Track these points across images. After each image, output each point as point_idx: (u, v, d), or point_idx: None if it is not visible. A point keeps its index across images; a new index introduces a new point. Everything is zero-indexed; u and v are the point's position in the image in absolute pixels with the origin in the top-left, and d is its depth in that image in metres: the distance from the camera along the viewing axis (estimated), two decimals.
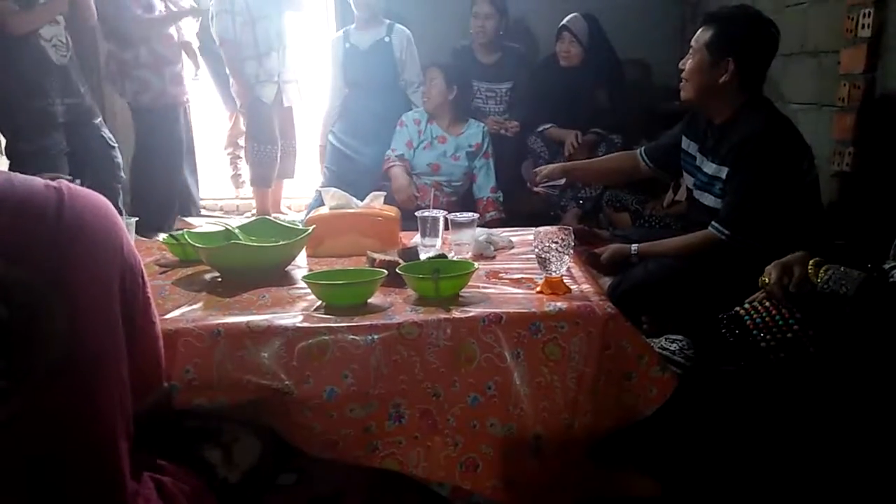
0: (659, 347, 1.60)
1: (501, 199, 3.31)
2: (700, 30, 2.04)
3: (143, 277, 0.96)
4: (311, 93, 4.15)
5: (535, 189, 3.35)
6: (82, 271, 0.86)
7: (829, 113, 2.50)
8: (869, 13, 2.21)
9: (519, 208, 3.36)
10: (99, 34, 3.62)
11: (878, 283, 1.37)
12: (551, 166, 2.50)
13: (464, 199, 3.29)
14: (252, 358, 1.25)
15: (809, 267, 1.44)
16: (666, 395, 1.35)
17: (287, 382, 1.24)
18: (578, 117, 3.43)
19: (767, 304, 1.51)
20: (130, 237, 1.93)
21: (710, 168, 2.06)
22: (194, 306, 1.41)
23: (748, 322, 1.51)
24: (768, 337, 1.48)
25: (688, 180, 2.22)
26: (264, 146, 3.76)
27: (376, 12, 3.48)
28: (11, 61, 2.96)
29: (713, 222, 1.95)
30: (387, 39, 3.46)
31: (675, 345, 1.63)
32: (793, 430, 1.49)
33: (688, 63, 2.04)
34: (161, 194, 3.59)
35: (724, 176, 1.98)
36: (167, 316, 1.34)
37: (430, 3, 3.81)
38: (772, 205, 1.90)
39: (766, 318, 1.50)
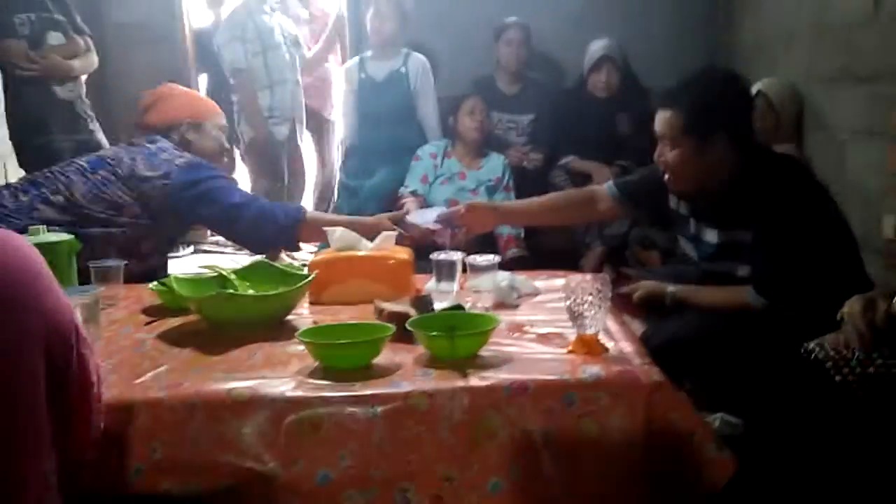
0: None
1: (523, 235, 3.13)
2: (663, 115, 1.74)
3: (76, 335, 0.77)
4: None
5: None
6: None
7: (883, 143, 2.29)
8: None
9: (542, 245, 3.18)
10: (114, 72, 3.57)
11: None
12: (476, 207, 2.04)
13: (484, 237, 3.10)
14: (232, 434, 1.06)
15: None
16: (724, 478, 1.13)
17: (272, 465, 1.04)
18: (603, 149, 3.26)
19: (843, 337, 1.31)
20: (118, 282, 1.81)
21: (713, 236, 1.82)
22: (173, 367, 1.23)
23: (820, 354, 1.30)
24: (845, 370, 1.27)
25: (686, 247, 1.97)
26: (273, 183, 3.61)
27: (393, 41, 3.36)
28: (16, 96, 2.90)
29: (751, 289, 1.70)
30: (403, 70, 3.33)
31: (728, 427, 1.40)
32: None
33: (668, 155, 1.74)
34: None
35: (740, 240, 1.75)
36: (138, 380, 1.16)
37: (450, 32, 3.69)
38: (812, 262, 1.65)
39: (844, 353, 1.29)
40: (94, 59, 3.10)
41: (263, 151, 3.59)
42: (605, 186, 2.08)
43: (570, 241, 3.27)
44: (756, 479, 1.31)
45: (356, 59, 3.50)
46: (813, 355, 1.34)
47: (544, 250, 3.11)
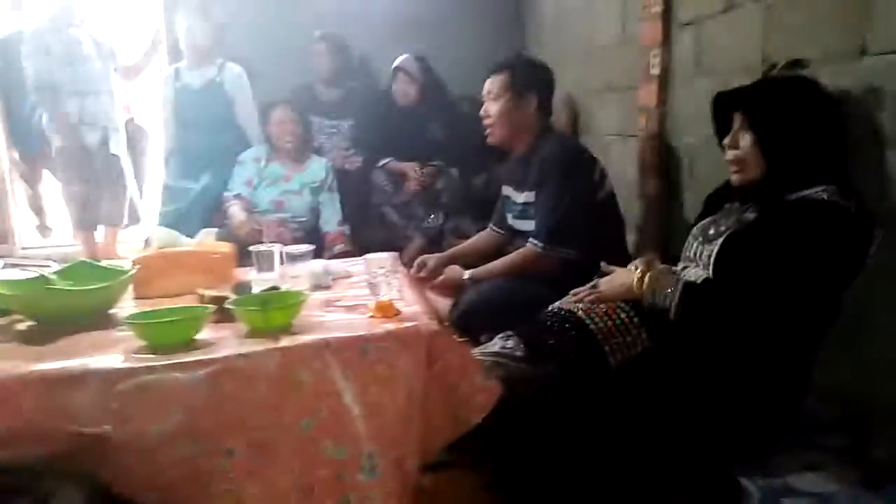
0: (500, 348, 1.67)
1: (348, 231, 3.36)
2: (493, 78, 2.27)
3: None
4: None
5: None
6: None
7: (634, 142, 2.80)
8: (657, 53, 2.52)
9: (367, 240, 3.42)
10: None
11: (696, 287, 1.44)
12: (436, 260, 2.40)
13: (310, 235, 3.30)
14: (66, 405, 1.19)
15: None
16: (491, 401, 1.44)
17: (106, 427, 1.19)
18: (417, 151, 3.57)
19: (604, 306, 1.57)
20: None
21: (520, 198, 2.31)
22: (2, 356, 1.32)
23: (591, 327, 1.54)
24: (614, 342, 1.51)
25: (507, 213, 2.44)
26: (85, 189, 3.54)
27: (207, 52, 3.44)
28: None
29: (530, 238, 2.17)
30: (218, 79, 3.44)
31: (511, 341, 1.69)
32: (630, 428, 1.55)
33: (492, 108, 2.27)
34: None
35: (533, 201, 2.20)
36: None
37: (266, 41, 3.81)
38: (574, 214, 2.15)
39: (609, 323, 1.53)
40: None
41: (73, 158, 3.51)
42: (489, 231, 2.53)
43: (392, 235, 3.55)
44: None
45: (172, 68, 3.54)
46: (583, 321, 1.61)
47: (368, 245, 3.35)
